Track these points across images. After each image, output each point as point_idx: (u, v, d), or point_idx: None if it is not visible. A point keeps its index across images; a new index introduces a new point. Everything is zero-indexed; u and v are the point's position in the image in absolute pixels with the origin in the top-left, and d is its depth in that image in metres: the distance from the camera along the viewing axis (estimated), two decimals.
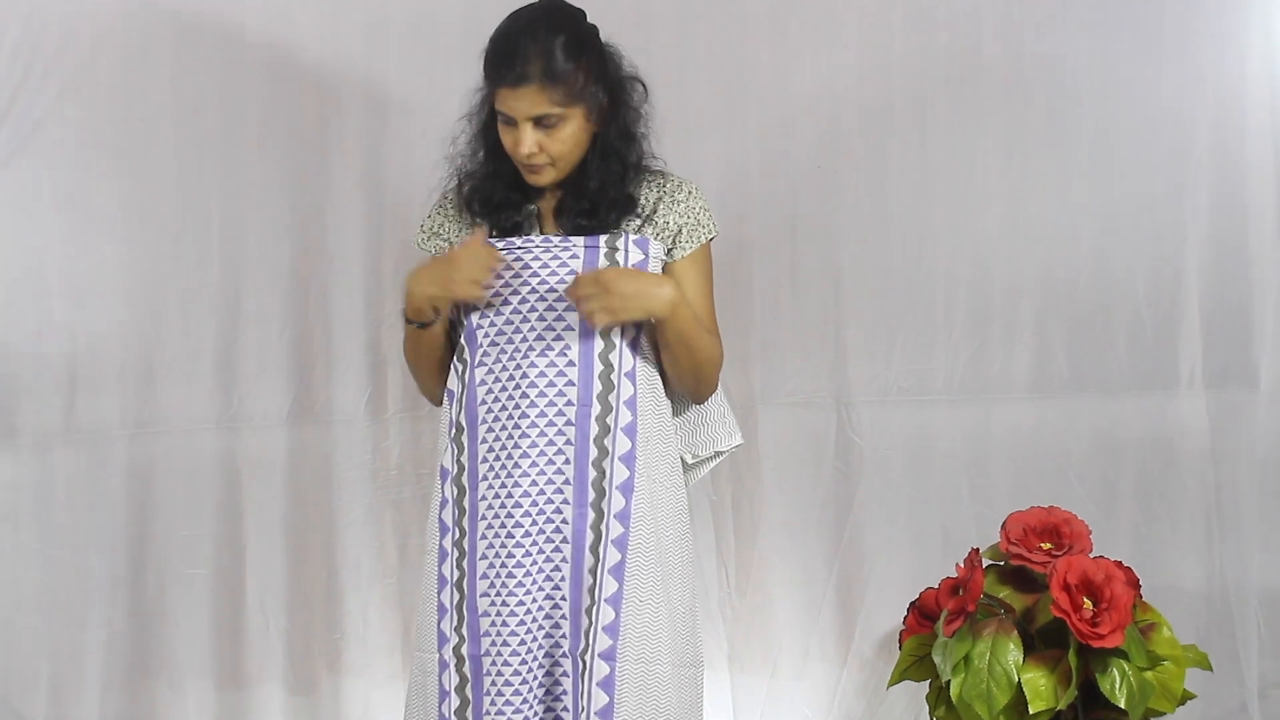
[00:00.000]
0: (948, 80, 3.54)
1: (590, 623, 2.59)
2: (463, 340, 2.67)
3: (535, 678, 2.61)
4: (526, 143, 2.60)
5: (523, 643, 2.62)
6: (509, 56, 2.57)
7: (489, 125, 2.67)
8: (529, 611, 2.62)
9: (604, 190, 2.67)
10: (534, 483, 2.61)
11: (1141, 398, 3.53)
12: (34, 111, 3.43)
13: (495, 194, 2.68)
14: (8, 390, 3.46)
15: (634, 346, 2.67)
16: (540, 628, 2.62)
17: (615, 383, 2.64)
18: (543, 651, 2.62)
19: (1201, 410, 3.53)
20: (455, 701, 2.63)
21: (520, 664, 2.61)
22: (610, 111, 2.67)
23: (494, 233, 2.67)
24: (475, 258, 2.59)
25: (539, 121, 2.59)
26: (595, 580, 2.60)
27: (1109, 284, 3.55)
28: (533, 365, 2.62)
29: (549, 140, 2.61)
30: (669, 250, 2.70)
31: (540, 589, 2.61)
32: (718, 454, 2.81)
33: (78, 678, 3.47)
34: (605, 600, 2.60)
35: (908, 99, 3.54)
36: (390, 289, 3.48)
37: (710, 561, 3.57)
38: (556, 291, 2.62)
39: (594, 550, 2.60)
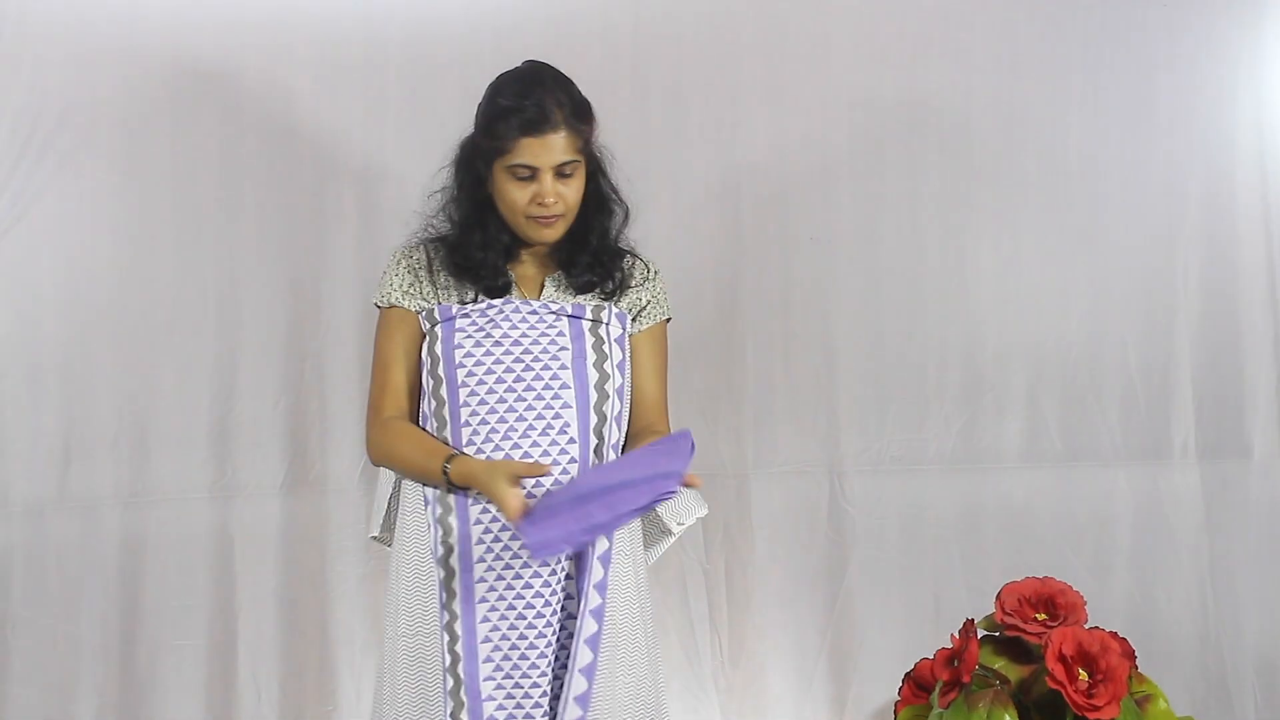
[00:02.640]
0: (940, 151, 3.57)
1: (562, 690, 2.59)
2: (447, 420, 2.64)
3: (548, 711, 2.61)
4: (551, 192, 2.61)
5: (530, 718, 2.61)
6: (537, 106, 2.59)
7: (478, 186, 2.66)
8: (545, 694, 2.60)
9: (603, 243, 2.70)
10: (544, 563, 2.61)
11: (1135, 468, 3.56)
12: (34, 182, 3.44)
13: (482, 257, 2.67)
14: (1, 457, 3.45)
15: (618, 420, 2.69)
16: (552, 653, 2.62)
17: (604, 455, 2.66)
18: (559, 666, 2.62)
19: (1195, 481, 3.56)
20: None
21: (531, 700, 2.60)
22: (596, 167, 2.70)
23: (476, 298, 2.66)
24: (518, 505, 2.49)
25: (559, 171, 2.61)
26: (571, 650, 2.60)
27: (1101, 355, 3.57)
28: (535, 445, 2.61)
29: (566, 190, 2.63)
30: (631, 322, 2.74)
31: (550, 665, 2.60)
32: (680, 525, 2.74)
33: None
34: (579, 670, 2.58)
35: (900, 171, 3.57)
36: None
37: (704, 630, 3.56)
38: (543, 361, 2.62)
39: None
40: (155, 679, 3.47)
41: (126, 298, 3.48)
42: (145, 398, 3.48)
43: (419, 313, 2.67)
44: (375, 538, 2.74)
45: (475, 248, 2.65)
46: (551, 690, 2.62)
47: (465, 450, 2.60)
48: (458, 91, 3.19)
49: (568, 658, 2.62)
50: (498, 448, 2.59)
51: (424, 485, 2.64)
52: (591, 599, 2.60)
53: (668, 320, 2.76)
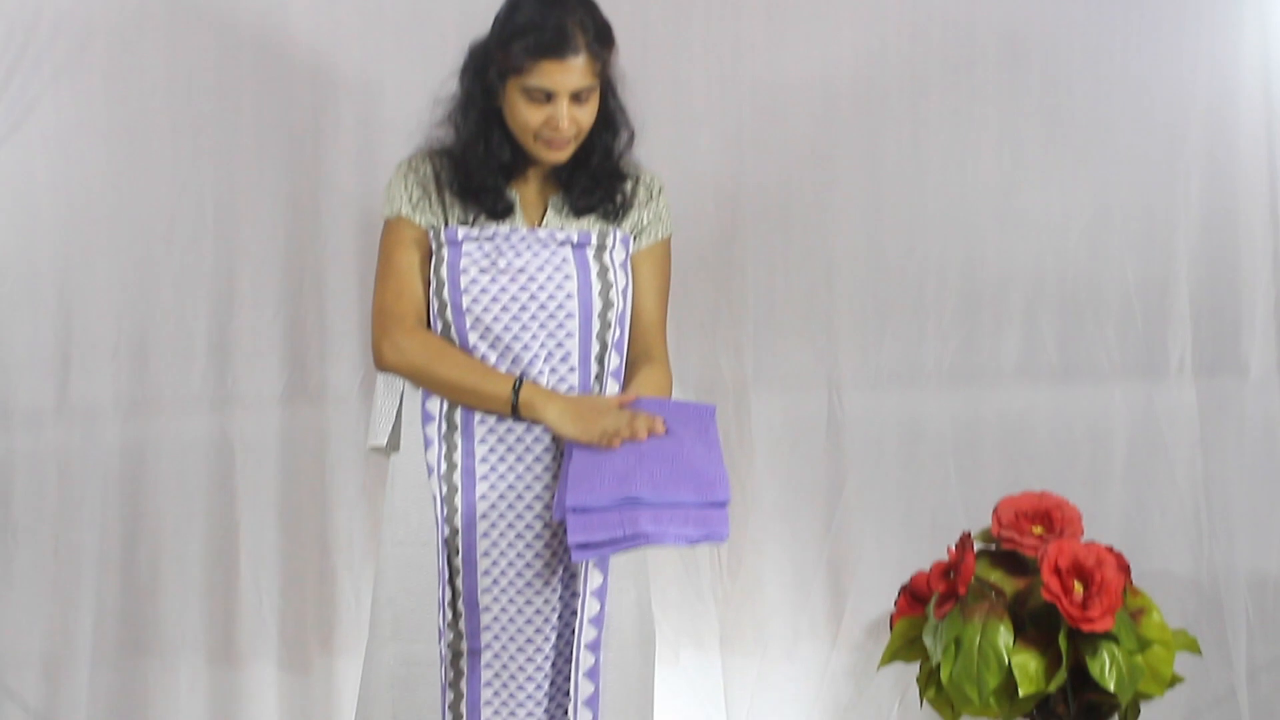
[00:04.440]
0: (943, 68, 3.53)
1: (581, 615, 2.62)
2: (453, 343, 2.66)
3: (547, 675, 2.64)
4: (565, 116, 2.57)
5: (531, 641, 2.63)
6: (558, 29, 2.55)
7: (487, 97, 2.62)
8: (539, 612, 2.63)
9: (605, 164, 2.67)
10: (546, 487, 2.62)
11: (1131, 384, 3.54)
12: (28, 92, 3.41)
13: (485, 177, 2.65)
14: (0, 368, 3.45)
15: (618, 347, 2.70)
16: (553, 626, 2.64)
17: (604, 382, 2.67)
18: (565, 644, 2.65)
19: (1191, 398, 3.53)
20: (450, 696, 2.64)
21: (529, 661, 2.62)
22: (605, 86, 2.66)
23: (476, 219, 2.65)
24: (624, 428, 2.52)
25: (575, 96, 2.57)
26: (583, 573, 2.62)
27: (1100, 272, 3.55)
28: (540, 373, 2.63)
29: (580, 114, 2.59)
30: (633, 241, 2.73)
31: (553, 589, 2.62)
32: None
33: (70, 655, 3.45)
34: (591, 593, 2.61)
35: (903, 87, 3.54)
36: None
37: (702, 546, 3.43)
38: (548, 291, 2.62)
39: None
40: (156, 586, 3.48)
41: (124, 209, 3.46)
42: (144, 308, 3.47)
43: (428, 230, 2.66)
44: (375, 448, 2.73)
45: (477, 163, 2.63)
46: (551, 610, 2.64)
47: None
48: (457, 1, 3.25)
49: (570, 577, 2.66)
50: (504, 363, 2.63)
51: (443, 402, 2.63)
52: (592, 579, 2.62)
53: (669, 237, 2.75)
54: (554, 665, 2.64)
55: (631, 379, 2.70)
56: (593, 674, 2.60)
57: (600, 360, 2.66)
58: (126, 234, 3.46)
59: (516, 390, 2.58)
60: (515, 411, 2.59)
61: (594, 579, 2.61)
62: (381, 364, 2.67)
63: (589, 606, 2.61)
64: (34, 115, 3.41)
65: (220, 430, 3.50)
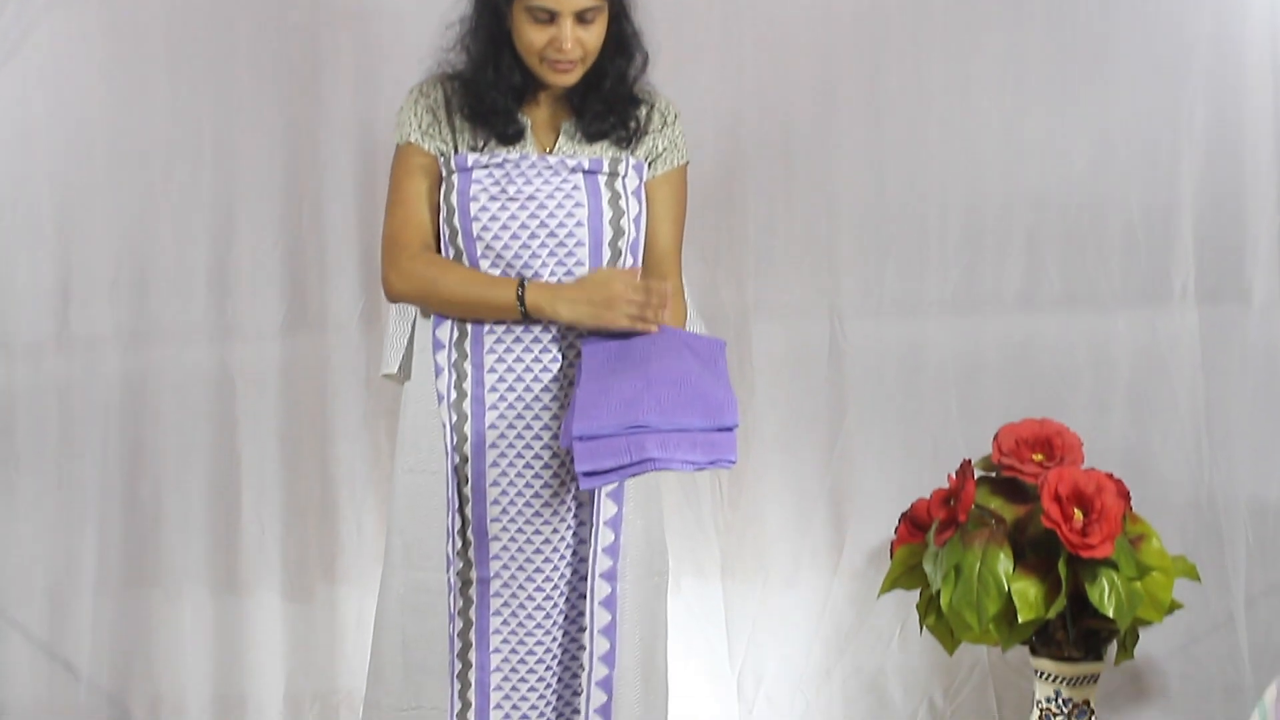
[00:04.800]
0: None
1: (594, 544, 2.62)
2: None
3: (558, 605, 2.64)
4: (569, 37, 2.54)
5: (540, 570, 2.63)
6: None
7: (496, 20, 2.60)
8: (548, 541, 2.63)
9: (618, 89, 2.65)
10: (555, 416, 2.61)
11: (1133, 312, 3.53)
12: (22, 21, 3.39)
13: (495, 100, 2.63)
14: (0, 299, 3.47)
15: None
16: (562, 556, 2.65)
17: None
18: (573, 573, 2.65)
19: (1193, 325, 3.52)
20: (459, 624, 2.64)
21: (538, 591, 2.63)
22: (619, 9, 2.64)
23: (486, 145, 2.64)
24: (632, 291, 2.53)
25: (580, 17, 2.55)
26: (594, 504, 2.62)
27: (1103, 199, 3.53)
28: None
29: (586, 36, 2.57)
30: (648, 169, 2.71)
31: (561, 518, 2.63)
32: None
33: (73, 586, 3.48)
34: (605, 523, 2.62)
35: (904, 15, 3.52)
36: (383, 196, 3.26)
37: (703, 472, 3.36)
38: (558, 218, 2.61)
39: None
40: (159, 517, 3.51)
41: (122, 139, 3.45)
42: (143, 239, 3.47)
43: (438, 156, 2.64)
44: (387, 376, 2.74)
45: (487, 87, 2.61)
46: (559, 540, 2.65)
47: None
48: None
49: (578, 507, 2.66)
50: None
51: (462, 321, 2.63)
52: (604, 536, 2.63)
53: (685, 164, 2.73)
54: (564, 595, 2.65)
55: None
56: (609, 603, 2.61)
57: None
58: (124, 164, 3.46)
59: (521, 293, 2.58)
60: (525, 315, 2.59)
61: (608, 508, 2.62)
62: (389, 293, 2.66)
63: (603, 535, 2.61)
64: (29, 45, 3.40)
65: (220, 361, 3.50)
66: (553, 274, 2.60)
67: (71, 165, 3.45)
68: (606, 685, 2.61)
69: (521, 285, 2.58)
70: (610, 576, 2.62)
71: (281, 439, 3.52)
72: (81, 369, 3.47)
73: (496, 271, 2.61)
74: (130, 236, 3.47)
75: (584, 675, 2.61)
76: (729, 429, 2.41)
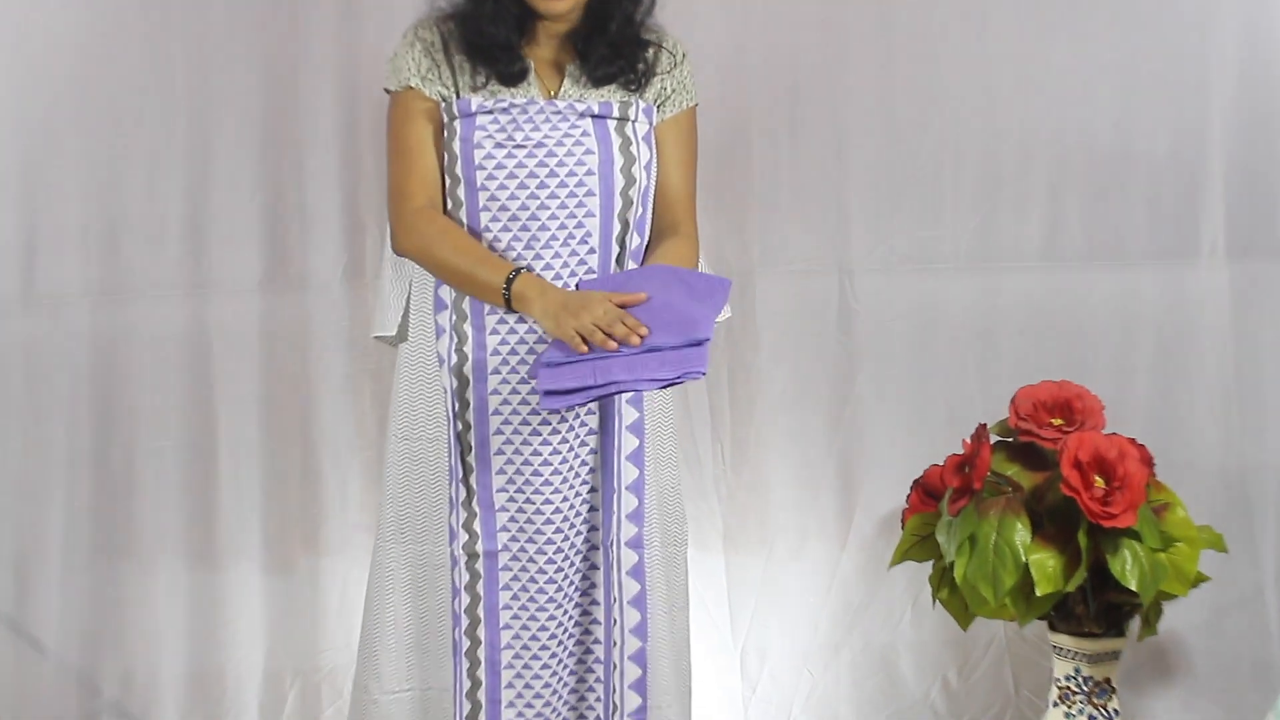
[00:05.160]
0: None
1: (615, 512, 2.63)
2: (464, 224, 2.64)
3: (569, 579, 2.65)
4: None
5: (551, 542, 2.63)
6: None
7: None
8: (558, 511, 2.63)
9: (625, 30, 2.63)
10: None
11: (1160, 268, 3.52)
12: None
13: (495, 34, 2.61)
14: None
15: (640, 226, 2.69)
16: (573, 527, 2.65)
17: (624, 265, 2.67)
18: (584, 543, 2.67)
19: (1223, 282, 3.50)
20: (465, 599, 2.65)
21: (549, 564, 2.63)
22: None
23: (489, 82, 2.62)
24: (606, 320, 2.48)
25: None
26: (615, 466, 2.64)
27: (1128, 147, 3.52)
28: (556, 255, 2.62)
29: None
30: (656, 112, 2.72)
31: (571, 486, 2.63)
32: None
33: (40, 557, 3.47)
34: (627, 488, 2.65)
35: None
36: (368, 145, 3.42)
37: (704, 437, 3.57)
38: (568, 167, 2.60)
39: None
40: (132, 482, 3.50)
41: (91, 85, 3.42)
42: (114, 191, 3.45)
43: (439, 101, 2.63)
44: (382, 338, 2.73)
45: (486, 19, 2.60)
46: (569, 509, 2.65)
47: None
48: None
49: (589, 472, 2.66)
50: (520, 256, 2.60)
51: (453, 290, 2.63)
52: (628, 414, 2.63)
53: (695, 106, 2.73)
54: (575, 568, 2.67)
55: (653, 251, 2.70)
56: (637, 572, 2.64)
57: (621, 241, 2.66)
58: (94, 112, 3.43)
59: (510, 282, 2.57)
60: (508, 304, 2.58)
61: (629, 472, 2.65)
62: (396, 247, 2.67)
63: (626, 501, 2.64)
64: None
65: (196, 319, 3.48)
66: (562, 226, 2.60)
67: (37, 112, 3.42)
68: (640, 659, 2.65)
69: (515, 273, 2.57)
70: (636, 544, 2.66)
71: (261, 402, 3.51)
72: (49, 328, 3.45)
73: (499, 225, 2.60)
74: (99, 188, 3.44)
75: (615, 649, 2.63)
76: (700, 343, 2.42)
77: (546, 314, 2.53)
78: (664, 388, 2.46)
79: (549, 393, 2.41)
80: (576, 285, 2.62)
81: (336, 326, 3.51)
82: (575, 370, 2.42)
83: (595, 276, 2.63)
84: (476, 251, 2.60)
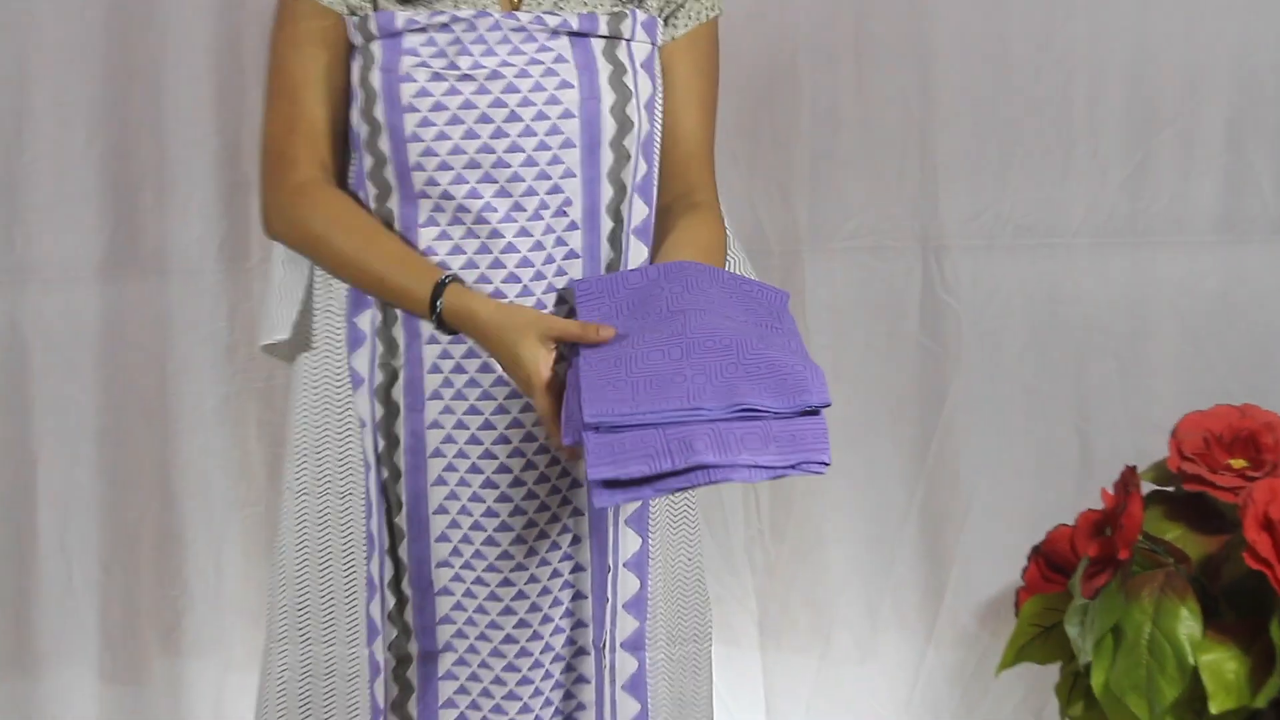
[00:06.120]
0: None
1: (608, 599, 2.59)
2: (391, 187, 2.52)
3: (543, 695, 2.60)
4: None
5: (514, 641, 2.58)
6: None
7: None
8: (522, 593, 2.57)
9: None
10: (529, 405, 2.51)
11: None
12: None
13: None
14: None
15: (643, 190, 2.60)
16: (548, 620, 2.59)
17: (620, 244, 2.59)
18: (565, 645, 2.62)
19: None
20: None
21: (511, 672, 2.58)
22: None
23: None
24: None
25: None
26: (609, 534, 2.58)
27: None
28: (521, 232, 2.50)
29: None
30: (663, 27, 2.63)
31: (546, 562, 2.57)
32: None
33: None
34: (625, 565, 2.61)
35: None
36: (254, 72, 3.26)
37: (732, 486, 3.55)
38: (536, 107, 2.48)
39: None
40: None
41: None
42: None
43: (345, 15, 2.54)
44: (272, 346, 2.64)
45: None
46: (541, 590, 2.57)
47: (420, 242, 2.50)
48: None
49: (572, 541, 2.58)
50: (470, 234, 2.50)
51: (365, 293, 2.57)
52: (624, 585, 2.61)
53: (717, 18, 2.65)
54: (552, 678, 2.61)
55: (665, 237, 2.58)
56: (637, 687, 2.61)
57: (616, 213, 2.55)
58: None
59: (439, 291, 2.47)
60: (440, 324, 2.48)
61: (628, 542, 2.59)
62: (268, 231, 2.58)
63: (623, 584, 2.60)
64: None
65: (8, 318, 3.49)
66: (530, 192, 2.48)
67: None
68: None
69: (441, 284, 2.45)
70: (637, 645, 2.61)
71: (100, 433, 3.51)
72: None
73: (437, 192, 2.49)
74: None
75: None
76: (816, 411, 2.28)
77: (508, 334, 2.45)
78: (773, 479, 2.32)
79: (608, 485, 2.24)
80: (561, 291, 2.51)
81: (210, 328, 3.50)
82: (642, 441, 2.24)
83: (578, 263, 2.53)
84: (387, 245, 2.50)
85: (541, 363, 2.33)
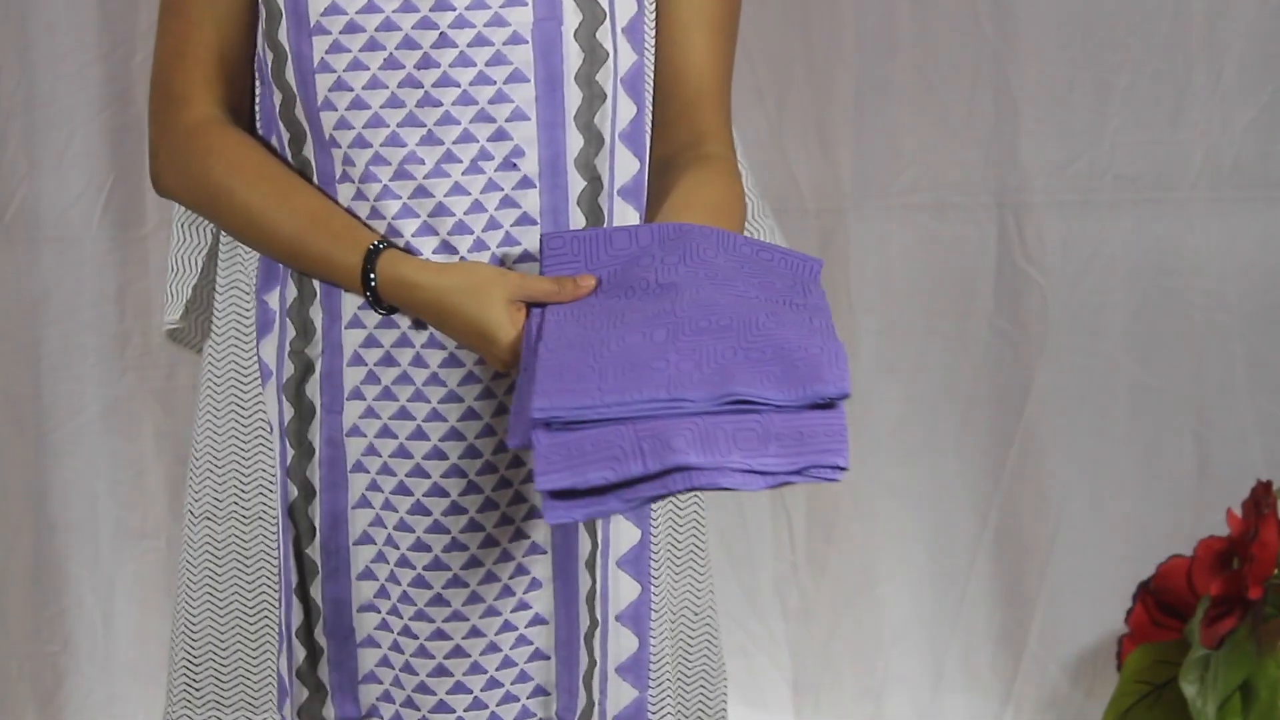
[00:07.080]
0: None
1: (594, 660, 2.54)
2: (309, 156, 2.51)
3: None
4: None
5: (450, 710, 2.56)
6: None
7: None
8: (459, 651, 2.53)
9: None
10: (477, 409, 2.48)
11: None
12: None
13: None
14: None
15: (630, 139, 2.59)
16: (499, 686, 2.55)
17: (607, 214, 2.56)
18: (514, 715, 2.57)
19: None
20: None
21: None
22: None
23: None
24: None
25: None
26: (595, 580, 2.53)
27: None
28: (472, 208, 2.47)
29: None
30: None
31: (496, 613, 2.53)
32: None
33: None
34: (619, 617, 2.56)
35: None
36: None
37: (759, 508, 3.60)
38: (476, 29, 2.47)
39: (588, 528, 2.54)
40: None
41: None
42: None
43: None
44: (173, 331, 2.64)
45: None
46: (486, 647, 2.54)
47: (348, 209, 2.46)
48: None
49: (531, 587, 2.55)
50: (389, 193, 2.47)
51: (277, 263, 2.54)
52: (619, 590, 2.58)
53: None
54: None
55: (668, 194, 2.52)
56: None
57: (590, 167, 2.51)
58: None
59: (373, 258, 2.44)
60: (375, 299, 2.45)
61: (623, 589, 2.57)
62: (155, 182, 2.56)
63: (616, 643, 2.56)
64: None
65: None
66: (466, 138, 2.46)
67: None
68: None
69: (376, 248, 2.44)
70: (634, 717, 2.60)
71: None
72: None
73: (349, 138, 2.46)
74: None
75: None
76: (833, 404, 2.19)
77: (472, 301, 2.44)
78: (773, 487, 2.24)
79: (557, 495, 2.19)
80: (527, 256, 2.45)
81: (95, 312, 3.54)
82: (604, 441, 2.19)
83: (558, 230, 2.49)
84: (307, 202, 2.48)
85: (513, 327, 2.33)
